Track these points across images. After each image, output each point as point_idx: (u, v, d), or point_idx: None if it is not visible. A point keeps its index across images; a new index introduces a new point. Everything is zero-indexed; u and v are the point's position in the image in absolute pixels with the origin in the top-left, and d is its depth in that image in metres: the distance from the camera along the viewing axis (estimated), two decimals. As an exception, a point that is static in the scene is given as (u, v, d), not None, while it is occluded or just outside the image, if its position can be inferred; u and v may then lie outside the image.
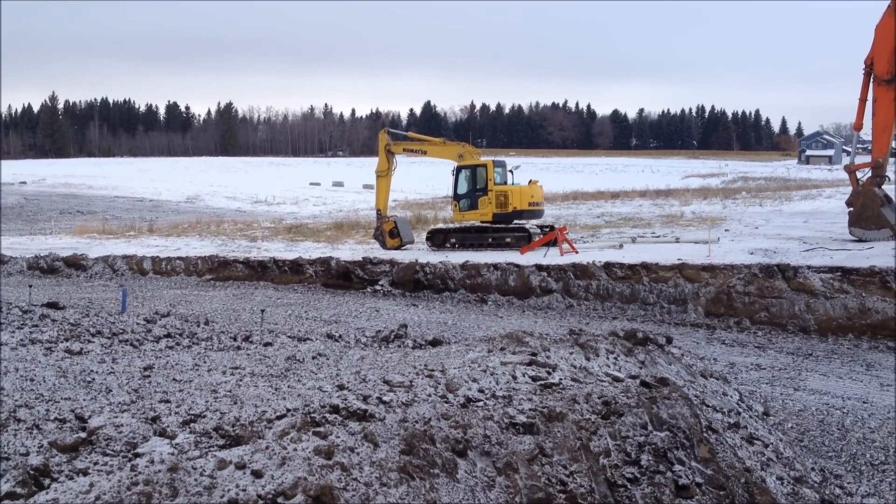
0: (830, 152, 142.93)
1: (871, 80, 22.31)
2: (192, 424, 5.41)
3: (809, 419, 10.57)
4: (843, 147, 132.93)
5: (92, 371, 7.21)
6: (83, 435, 5.19)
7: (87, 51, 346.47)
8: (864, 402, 11.28)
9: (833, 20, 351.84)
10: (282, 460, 4.68)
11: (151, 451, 4.90)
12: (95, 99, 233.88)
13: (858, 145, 25.87)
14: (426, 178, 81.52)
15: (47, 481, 4.45)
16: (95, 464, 4.75)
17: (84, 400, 6.11)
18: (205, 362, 7.86)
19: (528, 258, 22.52)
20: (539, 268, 20.64)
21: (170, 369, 7.44)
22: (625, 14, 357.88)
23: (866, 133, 24.29)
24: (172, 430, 5.28)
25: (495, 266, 21.30)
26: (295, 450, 4.81)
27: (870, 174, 23.14)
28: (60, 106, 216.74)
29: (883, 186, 23.30)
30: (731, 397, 8.77)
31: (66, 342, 8.52)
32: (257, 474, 4.56)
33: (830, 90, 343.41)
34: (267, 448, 4.80)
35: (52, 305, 13.74)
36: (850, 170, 23.72)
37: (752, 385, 12.14)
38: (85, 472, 4.61)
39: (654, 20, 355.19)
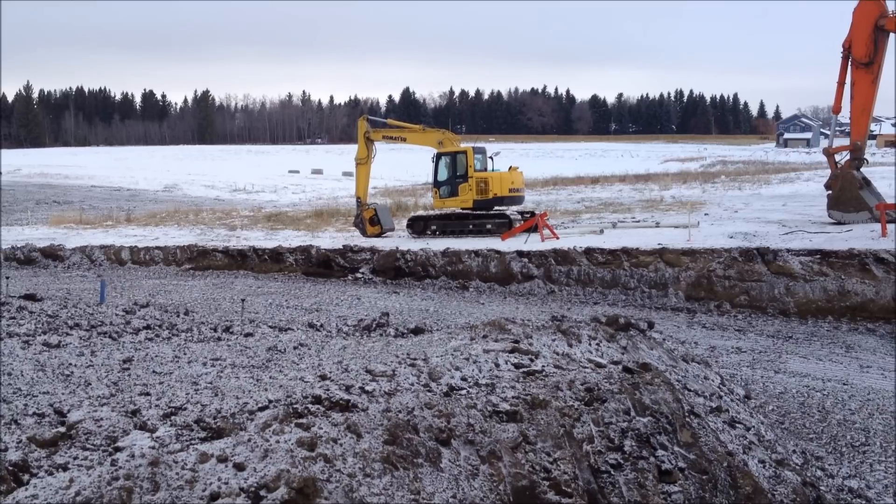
0: (808, 135, 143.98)
1: (850, 63, 22.43)
2: (172, 417, 5.35)
3: (790, 402, 10.65)
4: (821, 130, 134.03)
5: (70, 364, 7.12)
6: (62, 429, 5.12)
7: (62, 39, 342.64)
8: (844, 384, 11.38)
9: (812, 4, 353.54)
10: (264, 452, 4.64)
11: (132, 444, 4.84)
12: (71, 88, 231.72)
13: (837, 128, 26.06)
14: (406, 165, 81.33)
15: (26, 477, 4.39)
16: (75, 458, 4.69)
17: (63, 394, 6.04)
18: (185, 354, 7.79)
19: (508, 244, 22.51)
20: (520, 254, 20.65)
21: (149, 361, 7.37)
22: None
23: (844, 116, 24.46)
24: (153, 424, 5.22)
25: (476, 253, 21.28)
26: (277, 442, 4.77)
27: (848, 157, 23.32)
28: (35, 95, 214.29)
29: (861, 169, 23.48)
30: (713, 381, 8.80)
31: (44, 335, 8.42)
32: (239, 467, 4.52)
33: (808, 73, 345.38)
34: (249, 440, 4.76)
35: (30, 297, 13.56)
36: (829, 153, 23.89)
37: (733, 368, 12.21)
38: (65, 468, 4.55)
39: (633, 5, 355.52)
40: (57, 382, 6.43)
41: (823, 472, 7.97)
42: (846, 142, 23.89)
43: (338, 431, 5.02)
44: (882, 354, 13.14)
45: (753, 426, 7.91)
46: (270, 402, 5.61)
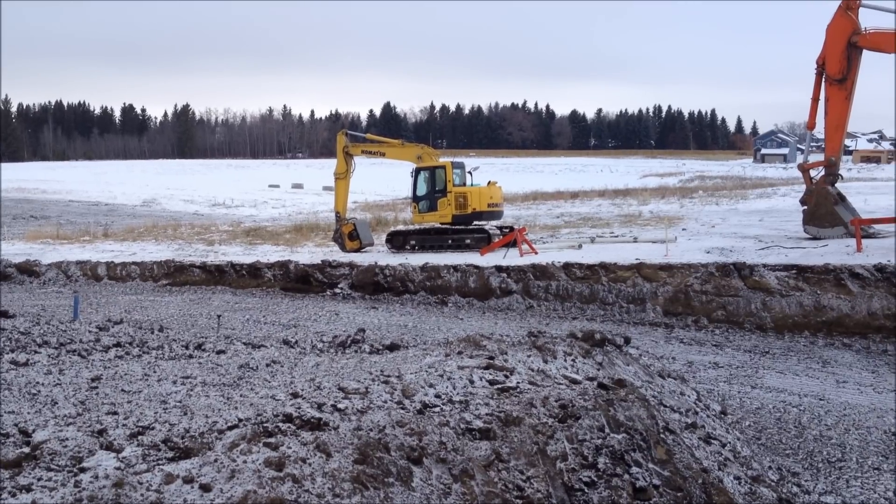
0: (785, 151, 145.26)
1: (823, 79, 22.62)
2: (139, 437, 5.26)
3: (766, 417, 10.65)
4: (798, 145, 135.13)
5: (38, 383, 7.01)
6: (27, 450, 5.03)
7: (41, 52, 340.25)
8: (820, 400, 11.40)
9: (786, 19, 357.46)
10: (231, 473, 4.57)
11: (97, 465, 4.75)
12: (49, 101, 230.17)
13: (812, 144, 26.24)
14: (386, 180, 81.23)
15: (-12, 499, 4.31)
16: (39, 480, 4.60)
17: (28, 413, 5.93)
18: (155, 372, 7.69)
19: (487, 259, 22.50)
20: (499, 269, 20.63)
21: (118, 380, 7.26)
22: (582, 15, 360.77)
23: (819, 132, 24.64)
24: (119, 444, 5.13)
25: (455, 268, 21.25)
26: (245, 462, 4.70)
27: (823, 173, 23.48)
28: (13, 109, 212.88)
29: (836, 185, 23.65)
30: (689, 397, 8.79)
31: (12, 353, 8.29)
32: (205, 488, 4.44)
33: (785, 89, 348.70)
34: (216, 461, 4.69)
35: (2, 314, 13.40)
36: (804, 168, 24.05)
37: (709, 384, 12.21)
38: (28, 489, 4.46)
39: (611, 21, 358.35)
40: (23, 402, 6.32)
41: (800, 489, 7.96)
42: (821, 158, 24.07)
43: (307, 451, 4.95)
44: (858, 369, 13.19)
45: (729, 442, 7.90)
46: (240, 420, 5.53)
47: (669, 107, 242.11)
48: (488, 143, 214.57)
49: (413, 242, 27.24)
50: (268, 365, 8.24)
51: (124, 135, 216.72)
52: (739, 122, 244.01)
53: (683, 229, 28.01)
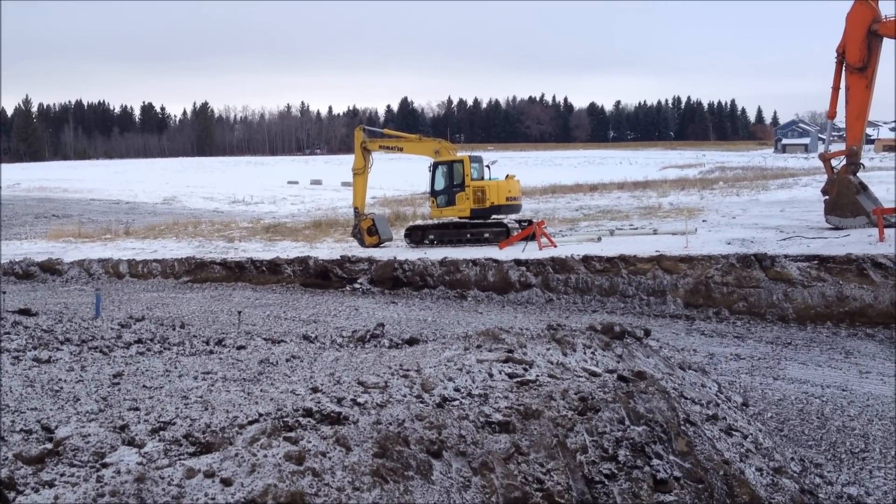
0: (806, 141, 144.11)
1: (844, 68, 22.43)
2: (161, 432, 5.29)
3: (789, 408, 10.57)
4: (819, 135, 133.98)
5: (60, 380, 7.07)
6: (49, 446, 5.07)
7: (61, 53, 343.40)
8: (843, 390, 11.30)
9: (806, 9, 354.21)
10: (252, 467, 4.58)
11: (119, 460, 4.79)
12: (70, 101, 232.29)
13: (833, 134, 26.03)
14: (404, 175, 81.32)
15: (12, 494, 4.34)
16: (62, 475, 4.63)
17: (51, 410, 5.99)
18: (176, 368, 7.74)
19: (506, 253, 22.47)
20: (518, 262, 20.60)
21: (140, 376, 7.32)
22: (600, 7, 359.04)
23: (840, 121, 24.43)
24: (141, 439, 5.17)
25: (474, 262, 21.23)
26: (265, 456, 4.71)
27: (844, 162, 23.29)
28: (34, 109, 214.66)
29: (857, 174, 23.46)
30: (710, 389, 8.74)
31: (35, 350, 8.37)
32: (226, 482, 4.46)
33: (806, 78, 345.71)
34: (237, 455, 4.71)
35: (25, 312, 13.52)
36: (825, 158, 23.87)
37: (731, 375, 12.14)
38: (51, 485, 4.50)
39: (630, 13, 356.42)
40: (45, 398, 6.38)
41: (822, 480, 7.89)
42: (843, 147, 23.87)
43: (327, 445, 4.96)
44: (881, 360, 13.06)
45: (751, 434, 7.85)
46: (260, 415, 5.55)
47: (689, 98, 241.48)
48: (506, 137, 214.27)
49: (432, 237, 27.27)
50: (288, 360, 8.28)
51: (144, 133, 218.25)
52: (760, 112, 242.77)
53: (704, 221, 27.87)
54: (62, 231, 40.71)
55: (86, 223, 45.94)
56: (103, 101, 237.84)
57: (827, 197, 23.36)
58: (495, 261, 21.01)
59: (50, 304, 19.78)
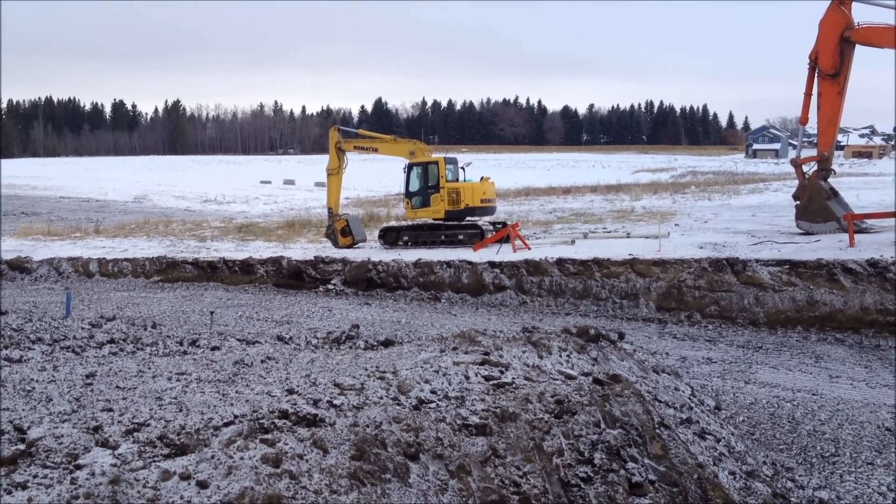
0: (777, 146, 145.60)
1: (816, 74, 22.68)
2: (135, 434, 5.24)
3: (760, 412, 10.68)
4: (790, 141, 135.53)
5: (32, 380, 6.98)
6: (22, 447, 5.01)
7: (31, 49, 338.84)
8: (813, 395, 11.43)
9: (778, 15, 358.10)
10: (228, 470, 4.55)
11: (93, 462, 4.73)
12: (39, 98, 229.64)
13: (804, 139, 26.31)
14: (378, 176, 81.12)
15: (-17, 496, 4.29)
16: (35, 477, 4.58)
17: (23, 410, 5.90)
18: (150, 368, 7.66)
19: (480, 255, 22.49)
20: (492, 265, 20.63)
21: (113, 376, 7.23)
22: (575, 11, 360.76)
23: (812, 127, 24.70)
24: (115, 440, 5.11)
25: (448, 264, 21.24)
26: (242, 458, 4.68)
27: (815, 168, 23.55)
28: (3, 106, 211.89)
29: (828, 180, 23.72)
30: (684, 392, 8.79)
31: (6, 350, 8.25)
32: (202, 485, 4.43)
33: (777, 84, 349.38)
34: (213, 457, 4.67)
35: (-7, 311, 13.32)
36: (796, 164, 24.12)
37: (703, 379, 12.24)
38: (24, 486, 4.44)
39: (603, 17, 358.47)
40: (17, 398, 6.29)
41: (794, 483, 7.97)
42: (814, 152, 24.14)
43: (304, 447, 4.94)
44: (851, 364, 13.23)
45: (724, 437, 7.91)
46: (236, 417, 5.51)
47: (661, 102, 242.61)
48: (480, 139, 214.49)
49: (406, 238, 27.24)
50: (262, 361, 8.22)
51: (115, 131, 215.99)
52: (731, 117, 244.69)
53: (676, 225, 28.07)
54: (31, 229, 40.15)
55: (55, 221, 45.32)
56: (73, 98, 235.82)
57: (798, 202, 23.61)
58: (469, 263, 21.03)
59: (19, 302, 19.50)
